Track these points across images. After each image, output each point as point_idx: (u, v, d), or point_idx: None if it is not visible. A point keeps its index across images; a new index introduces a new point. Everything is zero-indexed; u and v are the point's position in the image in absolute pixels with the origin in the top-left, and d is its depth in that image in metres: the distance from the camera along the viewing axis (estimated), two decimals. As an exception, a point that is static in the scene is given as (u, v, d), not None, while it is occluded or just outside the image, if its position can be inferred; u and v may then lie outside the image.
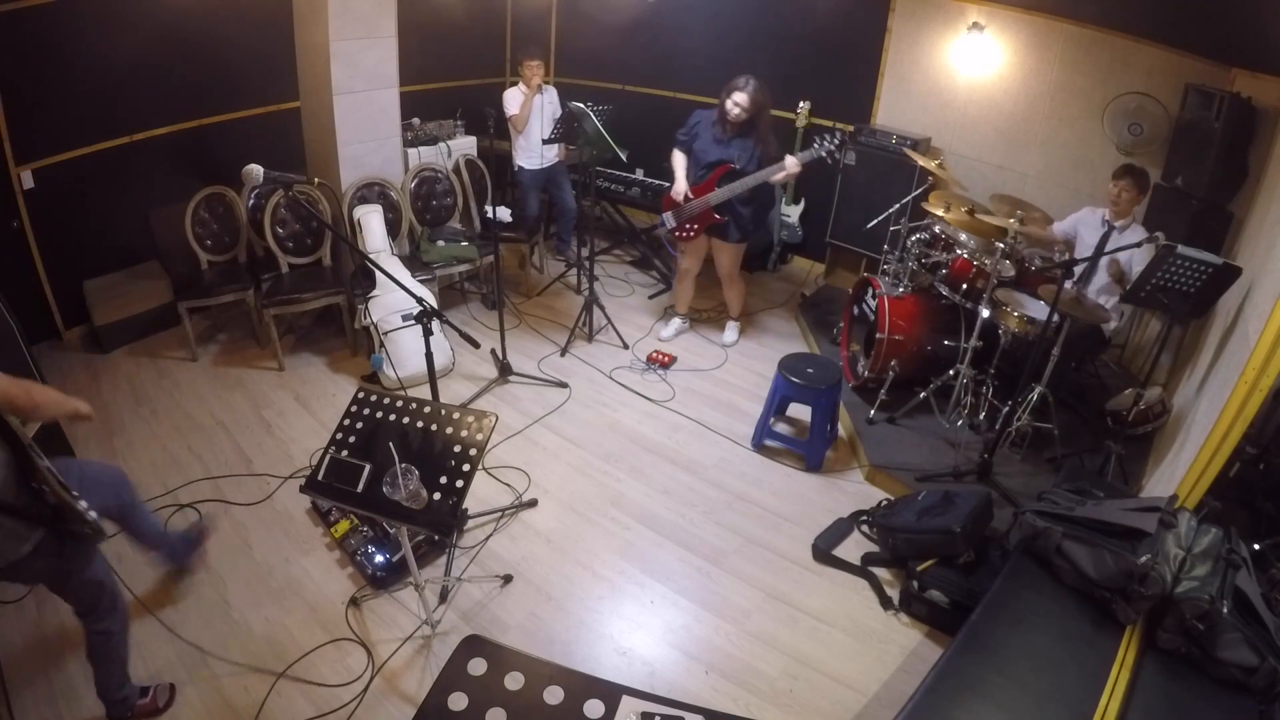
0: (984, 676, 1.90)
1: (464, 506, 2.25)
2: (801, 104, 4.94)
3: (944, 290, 3.62)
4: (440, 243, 4.39)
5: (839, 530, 3.00)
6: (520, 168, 4.88)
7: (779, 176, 3.73)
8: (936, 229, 3.77)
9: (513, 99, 4.67)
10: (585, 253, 4.50)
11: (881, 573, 2.80)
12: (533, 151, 4.77)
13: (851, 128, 4.76)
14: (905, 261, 3.84)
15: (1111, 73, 3.91)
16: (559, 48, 6.10)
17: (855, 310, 4.03)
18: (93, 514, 1.79)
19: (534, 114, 4.64)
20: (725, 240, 4.02)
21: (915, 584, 2.60)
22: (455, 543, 2.81)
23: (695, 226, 4.01)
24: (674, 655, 2.45)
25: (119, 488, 2.26)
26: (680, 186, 3.97)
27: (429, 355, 2.59)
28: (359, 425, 2.19)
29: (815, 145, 3.66)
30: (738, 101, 3.68)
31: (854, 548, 2.93)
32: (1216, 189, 3.44)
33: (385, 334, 3.73)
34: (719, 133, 3.82)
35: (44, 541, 1.74)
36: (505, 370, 3.92)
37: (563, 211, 5.20)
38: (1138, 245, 3.08)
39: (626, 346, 4.33)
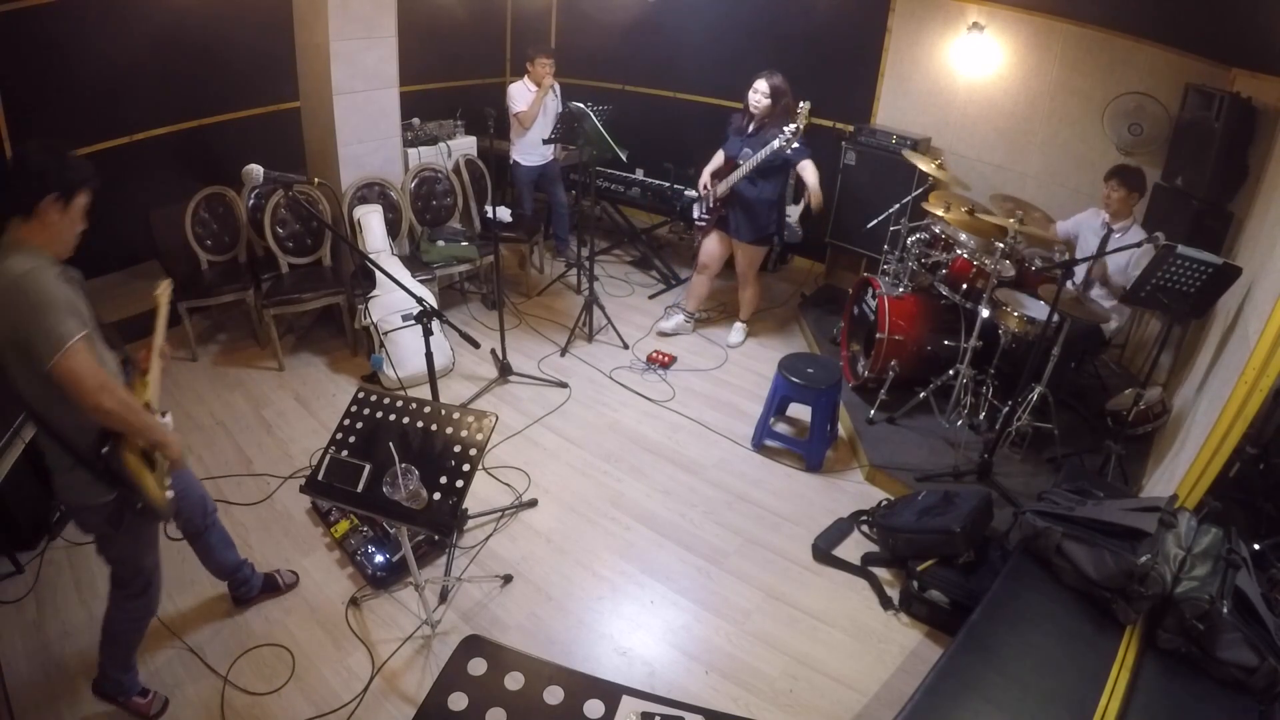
0: (984, 676, 1.90)
1: (464, 506, 2.25)
2: (801, 104, 4.91)
3: (944, 290, 3.62)
4: (440, 243, 4.39)
5: (839, 530, 3.00)
6: (516, 163, 4.89)
7: (742, 171, 3.81)
8: (936, 229, 3.77)
9: (519, 95, 4.67)
10: (585, 253, 4.50)
11: (881, 573, 2.80)
12: (532, 149, 4.78)
13: (851, 128, 4.76)
14: (905, 261, 3.84)
15: (1111, 73, 3.91)
16: (559, 48, 6.08)
17: (855, 310, 4.03)
18: (169, 494, 1.92)
19: (539, 112, 4.66)
20: (736, 238, 4.08)
21: (915, 584, 2.60)
22: (455, 543, 2.81)
23: (708, 218, 4.15)
24: (674, 655, 2.45)
25: (204, 503, 2.32)
26: (702, 178, 4.12)
27: (429, 355, 2.59)
28: (359, 425, 2.19)
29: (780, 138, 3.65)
30: (756, 88, 3.78)
31: (854, 548, 2.93)
32: (1216, 189, 3.44)
33: (385, 334, 3.73)
34: (742, 127, 3.93)
35: (110, 504, 1.84)
36: (505, 370, 3.92)
37: (556, 209, 5.22)
38: (1137, 245, 3.09)
39: (626, 346, 4.33)
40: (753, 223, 3.99)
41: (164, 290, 2.15)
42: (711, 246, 4.22)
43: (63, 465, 1.80)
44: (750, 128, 3.86)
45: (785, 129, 3.59)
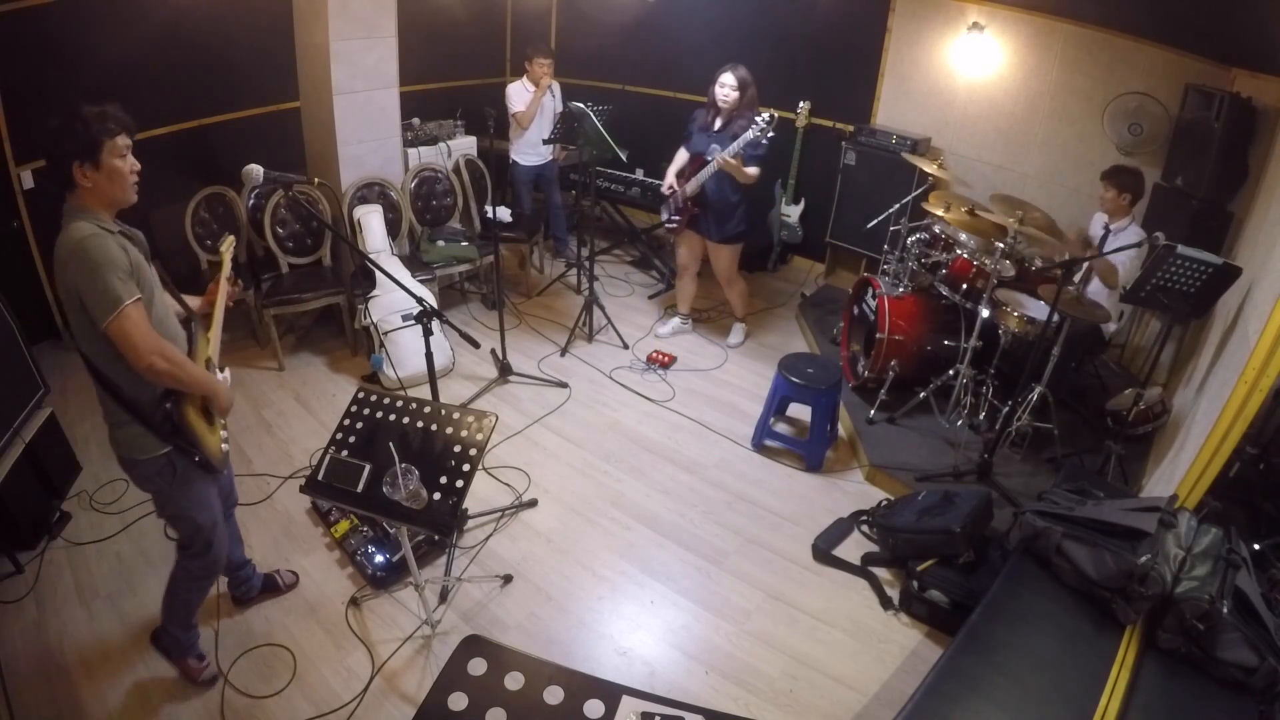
0: (984, 676, 1.90)
1: (464, 506, 2.25)
2: (801, 104, 4.94)
3: (944, 290, 3.62)
4: (440, 243, 4.39)
5: (839, 530, 3.00)
6: (515, 163, 4.89)
7: (711, 168, 3.72)
8: (936, 229, 3.77)
9: (517, 95, 4.67)
10: (585, 253, 4.50)
11: (881, 573, 2.80)
12: (531, 148, 4.78)
13: (851, 128, 4.76)
14: (905, 261, 3.84)
15: (1111, 73, 3.91)
16: (559, 48, 6.09)
17: (855, 310, 4.03)
18: (225, 447, 2.00)
19: (537, 111, 4.66)
20: (708, 238, 4.01)
21: (915, 584, 2.60)
22: (455, 543, 2.81)
23: (679, 219, 4.05)
24: (674, 655, 2.45)
25: (231, 491, 2.38)
26: (666, 179, 4.04)
27: (429, 355, 2.58)
28: (359, 425, 2.19)
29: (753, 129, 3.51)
30: (724, 82, 3.69)
31: (854, 548, 2.93)
32: (1216, 189, 3.44)
33: (385, 334, 3.73)
34: (708, 124, 3.84)
35: (165, 457, 1.90)
36: (505, 370, 3.92)
37: (552, 210, 5.23)
38: (1135, 245, 3.09)
39: (626, 346, 4.33)
40: (720, 223, 3.92)
41: (228, 246, 2.22)
42: (685, 247, 4.19)
43: (120, 419, 1.85)
44: (717, 123, 3.78)
45: (757, 119, 3.50)
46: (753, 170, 3.71)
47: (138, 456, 1.89)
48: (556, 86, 4.84)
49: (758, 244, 5.38)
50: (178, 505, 2.02)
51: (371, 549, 2.72)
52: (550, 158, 4.95)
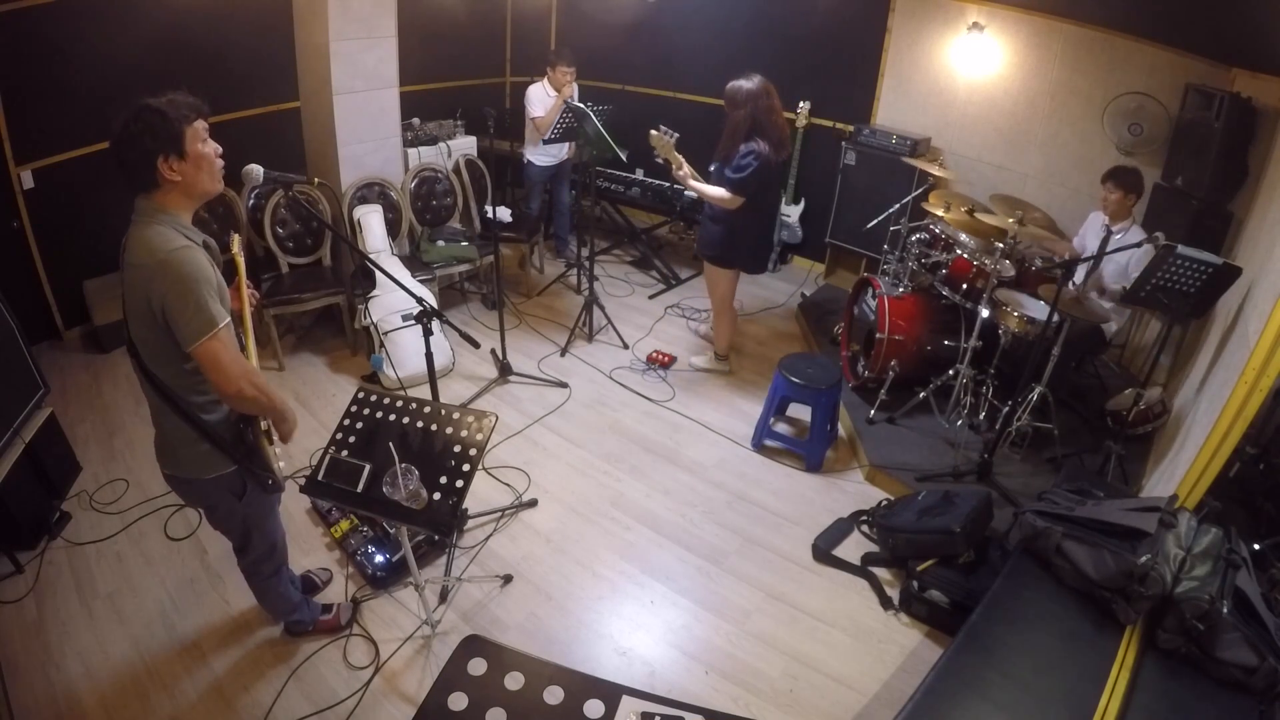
0: (984, 676, 1.90)
1: (464, 506, 2.25)
2: (801, 104, 4.94)
3: (944, 290, 3.62)
4: (440, 243, 4.39)
5: (839, 530, 3.00)
6: (530, 162, 4.89)
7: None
8: (936, 229, 3.77)
9: (538, 99, 4.65)
10: (585, 253, 4.50)
11: (881, 573, 2.80)
12: (547, 150, 4.77)
13: (851, 128, 4.76)
14: (905, 261, 3.84)
15: (1111, 73, 3.91)
16: (558, 48, 6.09)
17: (855, 310, 4.03)
18: (280, 464, 1.95)
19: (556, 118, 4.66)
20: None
21: (915, 584, 2.60)
22: (455, 543, 2.81)
23: None
24: (674, 655, 2.45)
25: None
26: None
27: (429, 355, 2.58)
28: (359, 425, 2.19)
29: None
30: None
31: (854, 548, 2.93)
32: (1216, 189, 3.44)
33: (385, 334, 3.73)
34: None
35: (232, 475, 1.88)
36: (505, 370, 3.92)
37: (559, 209, 5.22)
38: (1136, 245, 3.09)
39: (626, 346, 4.33)
40: (700, 237, 3.80)
41: (239, 245, 2.19)
42: None
43: (185, 437, 1.78)
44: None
45: (744, 145, 3.28)
46: (712, 189, 3.42)
47: (204, 475, 1.83)
48: (576, 90, 4.83)
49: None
50: (243, 519, 2.01)
51: (371, 549, 2.72)
52: (564, 156, 4.95)
